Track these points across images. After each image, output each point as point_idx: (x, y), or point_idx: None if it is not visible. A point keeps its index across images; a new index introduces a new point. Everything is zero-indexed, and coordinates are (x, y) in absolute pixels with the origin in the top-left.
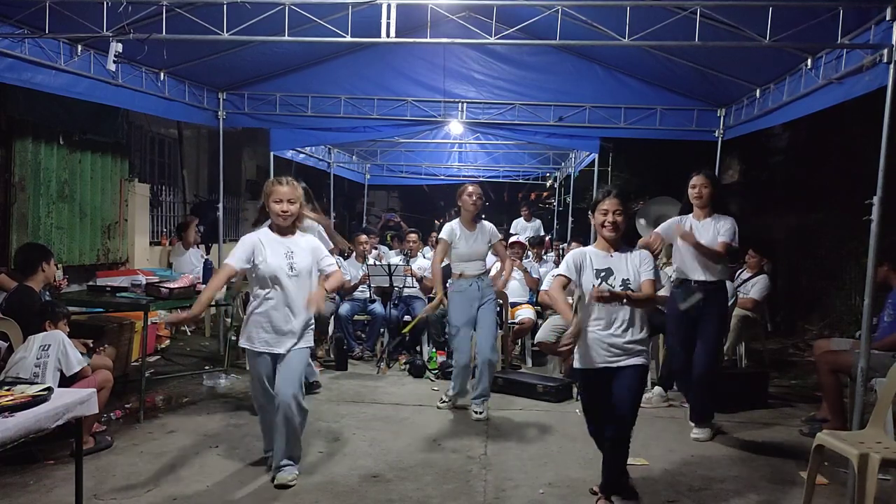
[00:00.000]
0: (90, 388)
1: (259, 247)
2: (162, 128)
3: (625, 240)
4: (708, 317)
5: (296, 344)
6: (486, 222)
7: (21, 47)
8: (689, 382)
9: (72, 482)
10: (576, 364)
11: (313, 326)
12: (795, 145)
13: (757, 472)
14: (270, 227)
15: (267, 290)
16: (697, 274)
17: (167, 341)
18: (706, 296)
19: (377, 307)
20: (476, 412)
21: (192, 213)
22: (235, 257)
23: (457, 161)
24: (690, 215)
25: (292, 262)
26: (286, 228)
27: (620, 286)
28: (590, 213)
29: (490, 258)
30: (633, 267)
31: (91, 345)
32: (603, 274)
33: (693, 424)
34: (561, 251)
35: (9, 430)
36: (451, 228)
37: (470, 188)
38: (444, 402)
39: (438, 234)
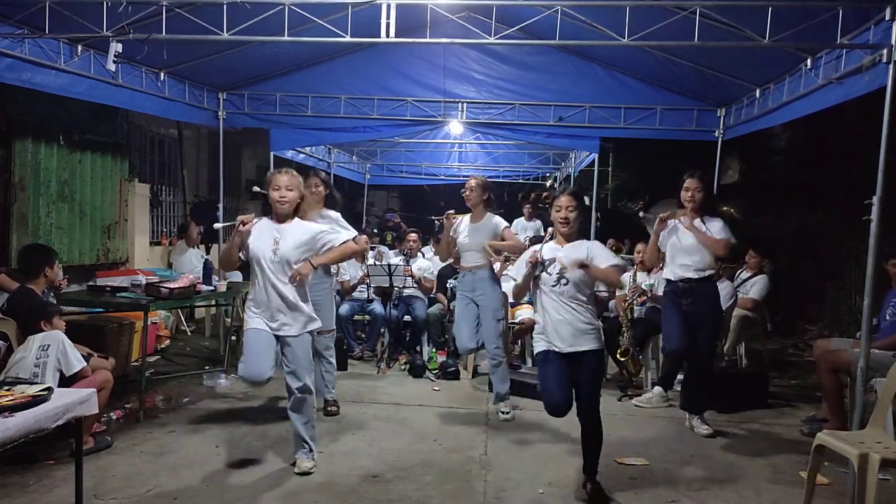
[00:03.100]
0: (90, 388)
1: (252, 232)
2: (162, 128)
3: (580, 234)
4: (700, 317)
5: (293, 329)
6: (495, 216)
7: (21, 47)
8: (679, 364)
9: (72, 482)
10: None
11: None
12: (795, 145)
13: (757, 472)
14: (270, 215)
15: (254, 275)
16: (688, 272)
17: (167, 341)
18: (696, 293)
19: (377, 307)
20: (502, 412)
21: (191, 213)
22: None
23: (457, 161)
24: (680, 216)
25: (276, 247)
26: (284, 215)
27: (557, 275)
28: (549, 207)
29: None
30: (576, 258)
31: (96, 355)
32: (546, 263)
33: (692, 416)
34: None
35: (9, 430)
36: (460, 220)
37: (468, 181)
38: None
39: (438, 233)
